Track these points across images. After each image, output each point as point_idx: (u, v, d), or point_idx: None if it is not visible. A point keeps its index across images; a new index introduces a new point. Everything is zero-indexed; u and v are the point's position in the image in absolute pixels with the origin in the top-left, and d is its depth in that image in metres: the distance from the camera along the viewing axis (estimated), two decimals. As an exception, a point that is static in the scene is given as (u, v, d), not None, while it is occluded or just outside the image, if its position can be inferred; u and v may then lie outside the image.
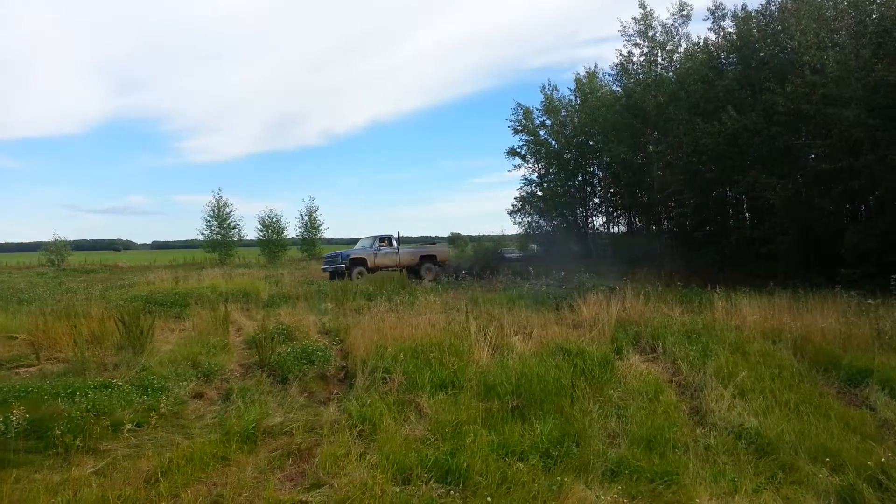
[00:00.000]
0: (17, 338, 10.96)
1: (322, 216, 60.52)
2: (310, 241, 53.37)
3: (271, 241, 50.84)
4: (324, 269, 27.98)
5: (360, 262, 26.73)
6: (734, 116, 18.99)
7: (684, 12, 25.52)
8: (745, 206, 23.86)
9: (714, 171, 21.46)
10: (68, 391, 7.03)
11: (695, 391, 7.23)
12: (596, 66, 32.97)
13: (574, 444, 5.48)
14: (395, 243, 28.39)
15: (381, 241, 27.84)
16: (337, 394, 7.76)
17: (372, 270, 26.12)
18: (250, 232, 52.59)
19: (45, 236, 53.45)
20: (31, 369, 9.23)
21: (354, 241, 30.67)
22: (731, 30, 22.45)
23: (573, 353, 8.16)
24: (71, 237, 56.17)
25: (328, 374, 8.54)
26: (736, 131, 19.11)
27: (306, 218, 53.40)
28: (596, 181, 33.62)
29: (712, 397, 6.72)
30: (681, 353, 8.45)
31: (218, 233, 48.72)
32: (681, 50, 25.73)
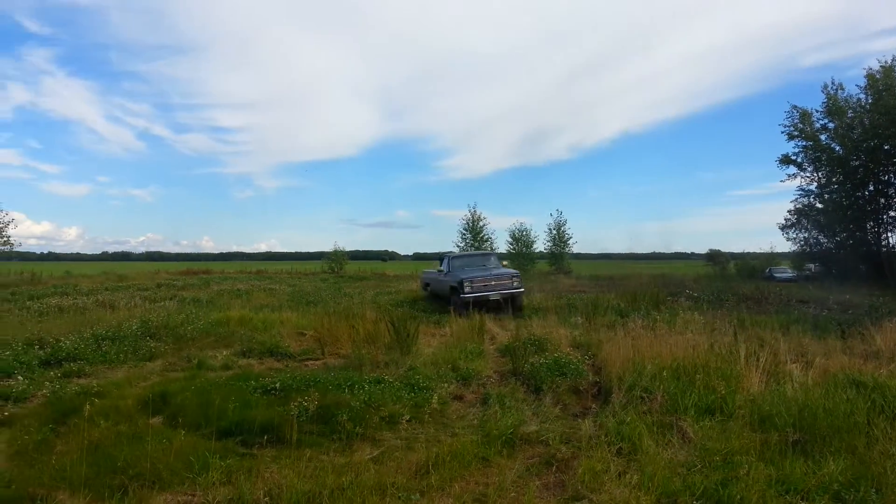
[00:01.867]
0: (306, 334, 12.61)
1: (570, 230, 60.55)
2: (558, 254, 53.68)
3: (521, 255, 52.13)
4: None
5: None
6: None
7: None
8: None
9: None
10: (348, 383, 7.91)
11: None
12: (894, 59, 28.46)
13: (873, 490, 4.71)
14: None
15: None
16: (592, 408, 7.62)
17: None
18: (501, 245, 54.56)
19: (326, 247, 60.79)
20: (317, 362, 10.53)
21: (604, 256, 30.04)
22: None
23: (869, 387, 7.05)
24: (347, 248, 63.29)
25: (581, 387, 8.43)
26: None
27: (554, 232, 53.91)
28: (892, 192, 29.03)
29: None
30: None
31: (472, 245, 51.33)
32: None
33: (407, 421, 6.39)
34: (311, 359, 10.86)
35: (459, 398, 8.14)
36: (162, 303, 20.44)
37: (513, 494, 4.78)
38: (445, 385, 8.31)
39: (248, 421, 6.34)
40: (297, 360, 10.74)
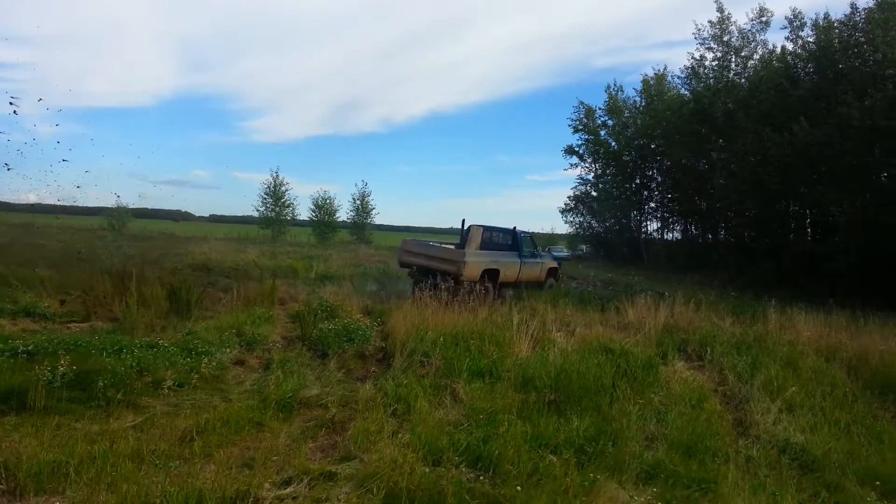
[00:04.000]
0: (71, 294, 11.33)
1: (374, 201, 60.91)
2: (360, 224, 53.81)
3: (323, 223, 51.54)
4: None
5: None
6: (806, 128, 18.33)
7: (764, 18, 24.84)
8: (808, 220, 23.11)
9: (779, 183, 20.77)
10: (115, 348, 7.21)
11: (740, 402, 7.00)
12: (665, 69, 32.30)
13: (610, 443, 5.35)
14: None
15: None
16: (374, 372, 7.78)
17: None
18: (304, 212, 53.51)
19: (109, 202, 55.18)
20: (82, 325, 9.53)
21: (406, 229, 30.53)
22: (810, 39, 21.73)
23: (616, 354, 8.00)
24: (133, 205, 58.05)
25: (367, 352, 8.57)
26: (807, 143, 18.44)
27: (358, 202, 53.86)
28: (654, 185, 33.09)
29: (758, 410, 6.48)
30: (728, 364, 8.20)
31: (272, 210, 49.78)
32: (756, 57, 25.04)
33: (178, 386, 6.06)
34: (75, 321, 9.80)
35: (241, 363, 7.83)
36: None
37: (282, 457, 4.73)
38: (227, 350, 7.92)
39: (-13, 387, 5.59)
40: (58, 322, 9.64)
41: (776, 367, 7.89)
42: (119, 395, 5.70)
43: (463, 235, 16.13)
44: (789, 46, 22.75)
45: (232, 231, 53.11)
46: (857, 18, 20.17)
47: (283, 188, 50.71)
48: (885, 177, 17.99)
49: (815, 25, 21.44)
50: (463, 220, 16.31)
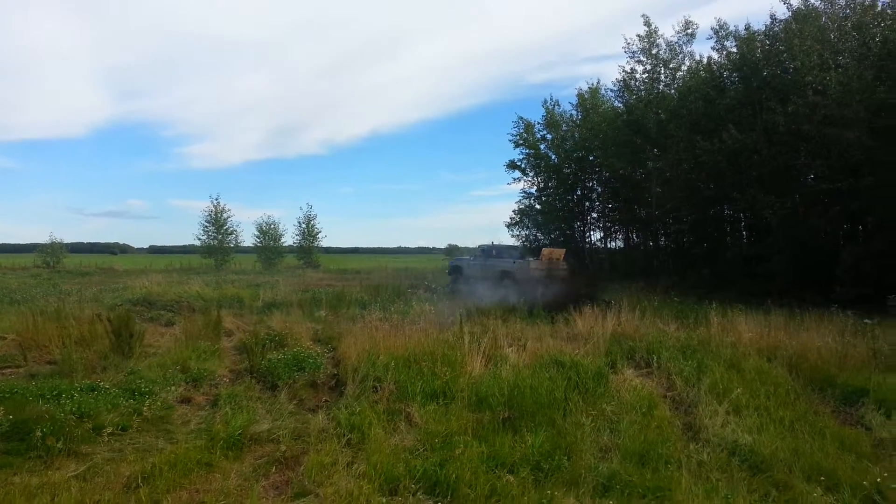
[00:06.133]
0: (5, 338, 10.81)
1: (320, 224, 60.34)
2: (307, 248, 53.15)
3: (268, 248, 50.70)
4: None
5: (456, 270, 25.96)
6: (735, 135, 19.06)
7: (689, 31, 25.72)
8: (742, 224, 23.96)
9: (713, 189, 21.51)
10: (54, 393, 6.93)
11: (689, 407, 7.15)
12: (598, 82, 33.03)
13: (565, 458, 5.39)
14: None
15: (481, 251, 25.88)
16: (326, 401, 7.64)
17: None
18: (248, 238, 52.53)
19: (43, 238, 53.18)
20: (18, 370, 9.10)
21: (353, 251, 30.62)
22: (733, 49, 22.57)
23: (567, 366, 8.09)
24: (69, 240, 56.09)
25: (318, 381, 8.43)
26: (736, 149, 19.17)
27: (304, 226, 53.21)
28: (594, 196, 33.72)
29: (706, 413, 6.63)
30: (675, 369, 8.38)
31: (215, 238, 48.70)
32: (684, 68, 25.89)
33: (120, 430, 5.83)
34: (9, 366, 9.35)
35: (187, 401, 7.59)
36: None
37: (234, 499, 4.58)
38: (172, 388, 7.66)
39: (-87, 445, 5.27)
40: (-10, 368, 9.20)
41: (721, 369, 8.11)
42: (59, 444, 5.45)
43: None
44: (715, 56, 23.65)
45: (173, 262, 51.81)
46: (776, 29, 21.14)
47: (224, 215, 49.68)
48: (811, 178, 18.80)
49: (738, 36, 22.34)
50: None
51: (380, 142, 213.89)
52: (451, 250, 29.35)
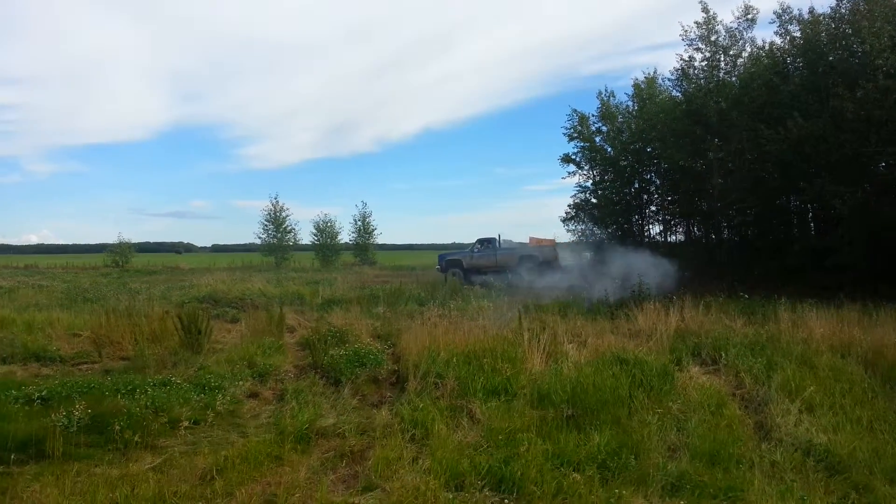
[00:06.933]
0: (81, 335, 11.33)
1: (375, 221, 60.95)
2: (363, 245, 53.81)
3: (325, 246, 51.57)
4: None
5: (456, 263, 27.30)
6: (800, 122, 18.31)
7: (749, 16, 24.72)
8: (810, 215, 23.03)
9: (778, 179, 20.72)
10: (129, 388, 7.22)
11: (759, 405, 6.93)
12: (655, 72, 32.05)
13: (632, 457, 5.31)
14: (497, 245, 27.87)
15: (479, 244, 27.68)
16: (389, 397, 7.75)
17: (468, 271, 26.52)
18: (305, 236, 53.59)
19: (111, 239, 55.48)
20: (93, 366, 9.54)
21: (408, 247, 31.25)
22: (797, 34, 21.69)
23: (630, 363, 7.94)
24: (135, 240, 58.29)
25: (380, 377, 8.55)
26: (802, 138, 18.40)
27: (359, 223, 53.88)
28: (653, 189, 32.85)
29: (778, 412, 6.41)
30: (744, 366, 8.12)
31: (274, 237, 49.95)
32: (745, 54, 24.90)
33: (193, 423, 6.04)
34: (86, 362, 9.81)
35: (255, 396, 7.83)
36: None
37: (304, 492, 4.69)
38: (240, 383, 7.91)
39: (3, 436, 5.56)
40: (69, 364, 9.64)
41: (792, 366, 7.82)
42: (136, 437, 5.70)
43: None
44: (777, 42, 22.78)
45: (235, 260, 53.33)
46: (843, 10, 20.22)
47: (283, 214, 50.97)
48: (882, 166, 17.94)
49: (802, 20, 21.48)
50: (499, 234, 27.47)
51: (432, 138, 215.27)
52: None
